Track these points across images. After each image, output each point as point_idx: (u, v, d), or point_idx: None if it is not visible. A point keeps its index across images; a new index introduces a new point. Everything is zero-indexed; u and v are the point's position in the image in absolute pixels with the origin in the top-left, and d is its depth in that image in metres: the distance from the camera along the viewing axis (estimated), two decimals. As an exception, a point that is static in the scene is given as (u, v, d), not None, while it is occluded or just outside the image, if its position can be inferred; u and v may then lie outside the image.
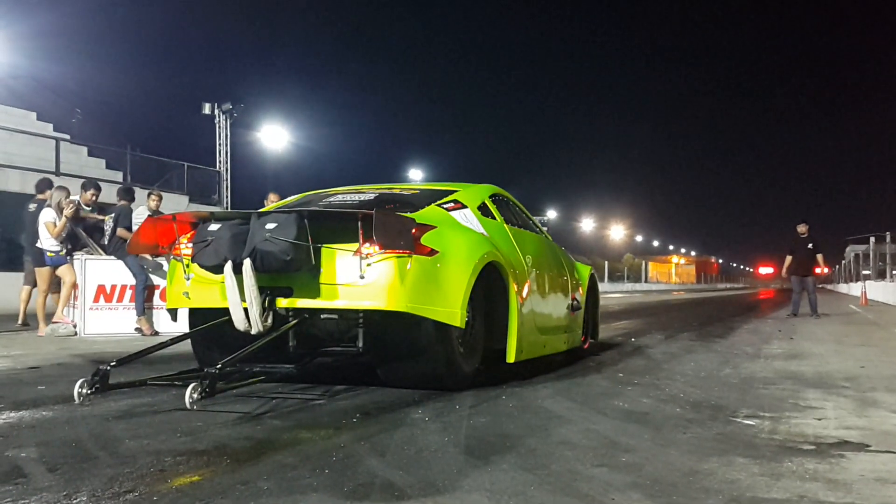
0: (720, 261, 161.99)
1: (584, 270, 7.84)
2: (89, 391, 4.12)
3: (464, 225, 5.41)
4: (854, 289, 40.79)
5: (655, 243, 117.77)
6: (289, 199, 6.44)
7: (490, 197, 6.17)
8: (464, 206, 5.63)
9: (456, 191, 5.91)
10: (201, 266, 4.77)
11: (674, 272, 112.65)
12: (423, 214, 5.18)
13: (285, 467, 2.97)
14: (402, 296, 4.53)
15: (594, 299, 8.08)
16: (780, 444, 3.50)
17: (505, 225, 6.04)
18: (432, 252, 4.72)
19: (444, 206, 5.52)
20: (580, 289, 7.45)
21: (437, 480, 2.79)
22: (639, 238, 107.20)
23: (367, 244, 4.53)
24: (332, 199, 5.90)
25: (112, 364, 4.34)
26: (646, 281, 79.32)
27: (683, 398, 4.76)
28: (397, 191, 6.18)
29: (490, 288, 5.30)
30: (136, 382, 4.51)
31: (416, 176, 45.26)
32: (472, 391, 4.88)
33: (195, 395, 3.79)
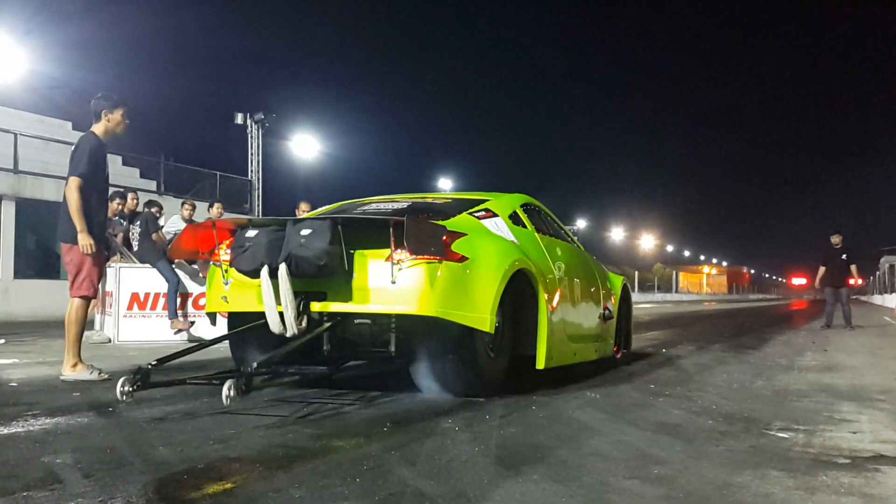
0: (752, 271, 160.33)
1: (617, 280, 7.90)
2: (131, 389, 4.21)
3: (494, 233, 5.49)
4: (889, 300, 40.16)
5: (686, 253, 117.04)
6: (326, 207, 6.53)
7: (521, 206, 6.26)
8: (495, 215, 5.72)
9: (487, 200, 6.01)
10: (239, 270, 4.94)
11: (705, 282, 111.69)
12: (455, 222, 5.29)
13: (317, 475, 2.98)
14: (433, 301, 4.64)
15: (627, 309, 8.10)
16: (815, 457, 3.46)
17: (536, 234, 6.10)
18: (462, 258, 4.81)
19: (476, 214, 5.64)
20: (612, 298, 7.48)
21: (468, 491, 2.79)
22: (669, 248, 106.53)
23: (399, 250, 4.64)
24: (366, 207, 6.02)
25: (153, 363, 4.46)
26: (676, 291, 78.75)
27: (716, 410, 4.71)
28: (430, 200, 6.30)
29: (520, 295, 5.35)
30: (175, 381, 4.65)
31: (444, 184, 45.33)
32: (503, 401, 4.87)
33: (231, 393, 3.89)
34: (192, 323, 9.71)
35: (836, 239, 15.43)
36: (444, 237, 4.77)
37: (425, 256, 4.65)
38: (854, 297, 18.72)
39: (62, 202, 5.86)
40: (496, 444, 3.64)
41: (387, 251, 4.68)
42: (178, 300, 9.73)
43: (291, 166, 32.89)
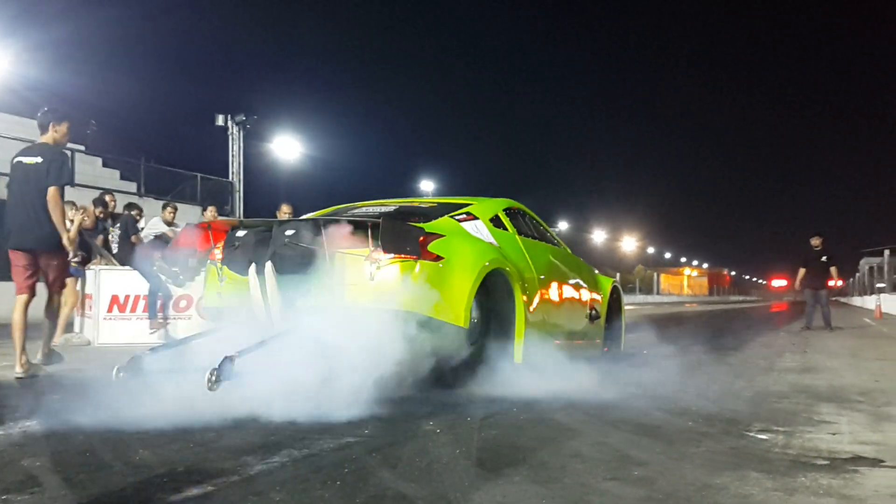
0: (732, 273, 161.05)
1: (606, 282, 8.30)
2: (125, 374, 4.59)
3: (473, 235, 5.82)
4: (868, 302, 40.50)
5: (667, 255, 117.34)
6: (319, 212, 6.73)
7: (504, 210, 6.57)
8: (475, 218, 6.04)
9: (470, 204, 6.31)
10: (229, 268, 5.31)
11: (685, 284, 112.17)
12: (434, 225, 5.61)
13: (297, 479, 2.97)
14: (408, 297, 4.94)
15: (617, 310, 8.49)
16: (794, 458, 3.48)
17: (517, 236, 6.41)
18: (438, 258, 5.14)
19: (457, 217, 5.95)
20: (600, 299, 7.83)
21: (449, 493, 2.79)
22: (651, 250, 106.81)
23: (377, 250, 4.93)
24: (356, 210, 6.39)
25: (148, 351, 4.87)
26: (657, 293, 79.10)
27: (696, 411, 4.73)
28: (417, 204, 6.71)
29: (499, 293, 5.67)
30: (166, 369, 4.81)
31: (426, 186, 45.35)
32: (484, 403, 4.88)
33: (213, 379, 4.11)
34: (167, 323, 9.63)
35: (816, 241, 15.52)
36: (421, 238, 5.09)
37: (401, 256, 4.97)
38: (834, 298, 18.84)
39: (31, 209, 6.16)
40: (477, 446, 3.65)
41: (367, 251, 4.96)
42: (158, 303, 9.69)
43: (273, 168, 32.76)
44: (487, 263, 5.47)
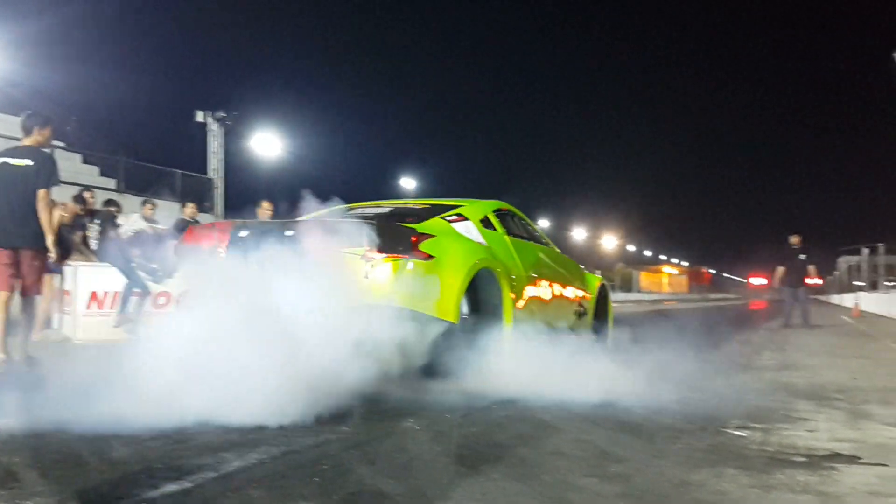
0: (712, 271, 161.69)
1: (594, 280, 8.74)
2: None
3: (463, 235, 6.09)
4: (846, 300, 40.84)
5: (647, 253, 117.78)
6: (316, 213, 6.73)
7: (494, 211, 6.88)
8: (465, 219, 6.33)
9: (461, 206, 6.60)
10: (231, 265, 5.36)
11: (665, 282, 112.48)
12: (426, 225, 5.86)
13: (275, 475, 2.96)
14: (401, 294, 5.15)
15: (605, 308, 8.85)
16: (771, 455, 3.50)
17: (505, 236, 6.71)
18: (429, 257, 5.35)
19: (448, 218, 6.24)
20: (587, 296, 8.21)
21: (428, 490, 2.79)
22: (631, 248, 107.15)
23: (372, 249, 5.15)
24: (353, 212, 6.62)
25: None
26: (638, 291, 79.28)
27: (675, 409, 4.74)
28: (411, 205, 7.02)
29: (488, 290, 5.93)
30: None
31: (407, 184, 45.43)
32: (465, 399, 4.88)
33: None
34: (137, 319, 9.54)
35: (794, 239, 15.60)
36: (413, 238, 5.34)
37: (394, 255, 5.18)
38: (812, 296, 18.87)
39: (16, 209, 6.37)
40: (457, 443, 3.65)
41: (362, 250, 5.15)
42: (134, 299, 9.62)
43: (254, 165, 32.59)
44: (476, 262, 5.75)
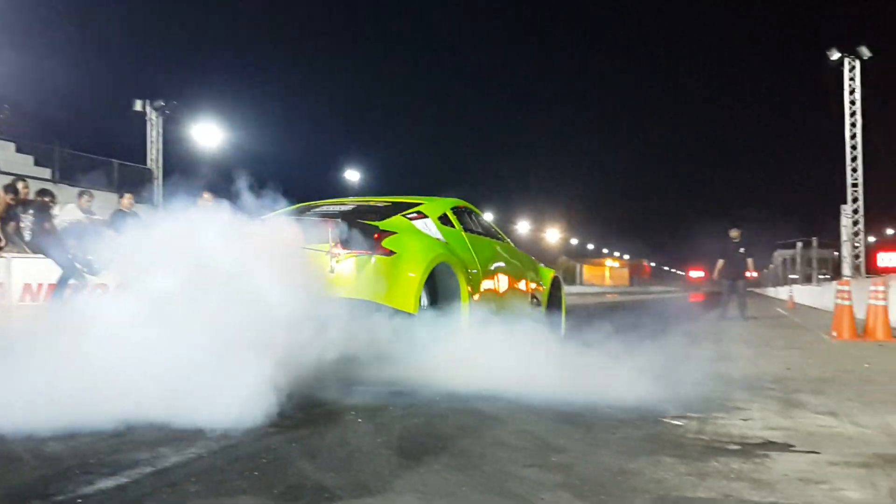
0: (653, 264, 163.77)
1: (548, 273, 9.07)
2: None
3: (422, 232, 6.41)
4: (781, 292, 41.80)
5: (590, 246, 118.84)
6: (282, 210, 6.75)
7: (452, 209, 7.20)
8: (425, 217, 6.63)
9: (420, 203, 6.92)
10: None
11: (607, 275, 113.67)
12: (388, 223, 6.17)
13: (214, 469, 2.93)
14: (364, 287, 5.50)
15: (558, 298, 9.21)
16: (707, 444, 3.58)
17: (463, 232, 7.03)
18: (391, 253, 5.68)
19: (408, 216, 6.53)
20: (541, 288, 8.59)
21: (369, 482, 2.78)
22: (574, 241, 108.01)
23: (337, 245, 5.49)
24: (317, 209, 6.83)
25: None
26: (580, 283, 79.98)
27: (615, 398, 4.79)
28: (373, 203, 7.22)
29: (446, 283, 6.24)
30: None
31: (352, 176, 45.41)
32: (408, 392, 4.88)
33: None
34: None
35: (734, 233, 15.88)
36: (376, 235, 5.68)
37: (358, 251, 5.53)
38: (749, 289, 19.26)
39: None
40: (398, 434, 3.65)
41: (328, 246, 5.47)
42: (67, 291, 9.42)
43: (194, 155, 32.11)
44: (435, 257, 6.07)
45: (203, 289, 4.46)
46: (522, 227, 79.58)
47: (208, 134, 31.83)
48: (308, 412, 4.19)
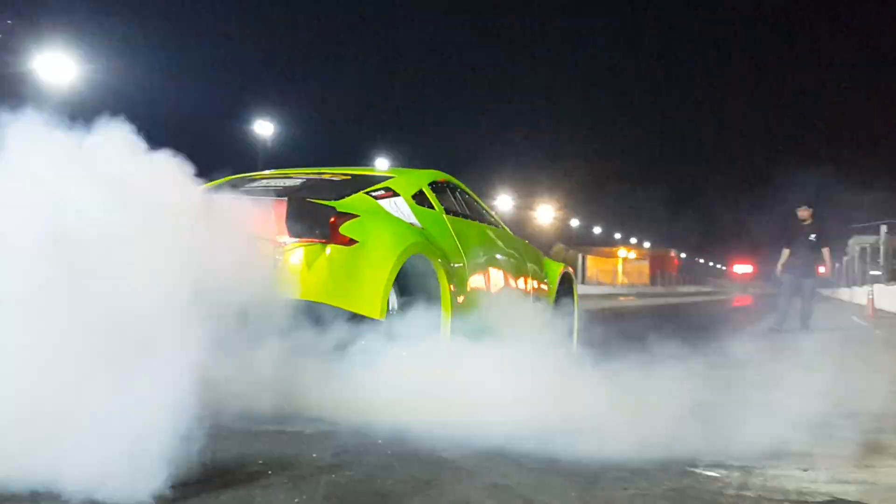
0: (683, 255, 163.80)
1: (556, 268, 9.62)
2: None
3: (392, 214, 6.61)
4: (858, 295, 41.87)
5: (597, 230, 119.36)
6: (211, 183, 6.96)
7: (430, 184, 7.52)
8: (396, 195, 6.88)
9: (390, 177, 7.26)
10: None
11: (620, 269, 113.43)
12: (347, 203, 6.32)
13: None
14: (316, 286, 5.62)
15: (569, 301, 9.71)
16: (754, 502, 3.59)
17: (444, 215, 7.32)
18: (351, 242, 5.83)
19: (373, 193, 6.74)
20: (546, 288, 9.12)
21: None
22: (574, 222, 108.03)
23: (281, 232, 5.60)
24: (255, 184, 7.15)
25: None
26: (583, 281, 79.86)
27: (626, 440, 4.77)
28: (328, 176, 7.52)
29: (421, 281, 6.47)
30: None
31: (263, 129, 45.54)
32: (339, 432, 4.86)
33: None
34: None
35: (804, 212, 15.60)
36: (332, 219, 5.78)
37: (308, 239, 5.63)
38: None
39: None
40: (324, 493, 3.63)
41: (268, 233, 5.56)
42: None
43: (38, 92, 31.74)
44: (408, 247, 6.23)
45: (65, 285, 4.12)
46: (503, 201, 79.55)
47: (57, 67, 31.46)
48: (201, 464, 4.12)
